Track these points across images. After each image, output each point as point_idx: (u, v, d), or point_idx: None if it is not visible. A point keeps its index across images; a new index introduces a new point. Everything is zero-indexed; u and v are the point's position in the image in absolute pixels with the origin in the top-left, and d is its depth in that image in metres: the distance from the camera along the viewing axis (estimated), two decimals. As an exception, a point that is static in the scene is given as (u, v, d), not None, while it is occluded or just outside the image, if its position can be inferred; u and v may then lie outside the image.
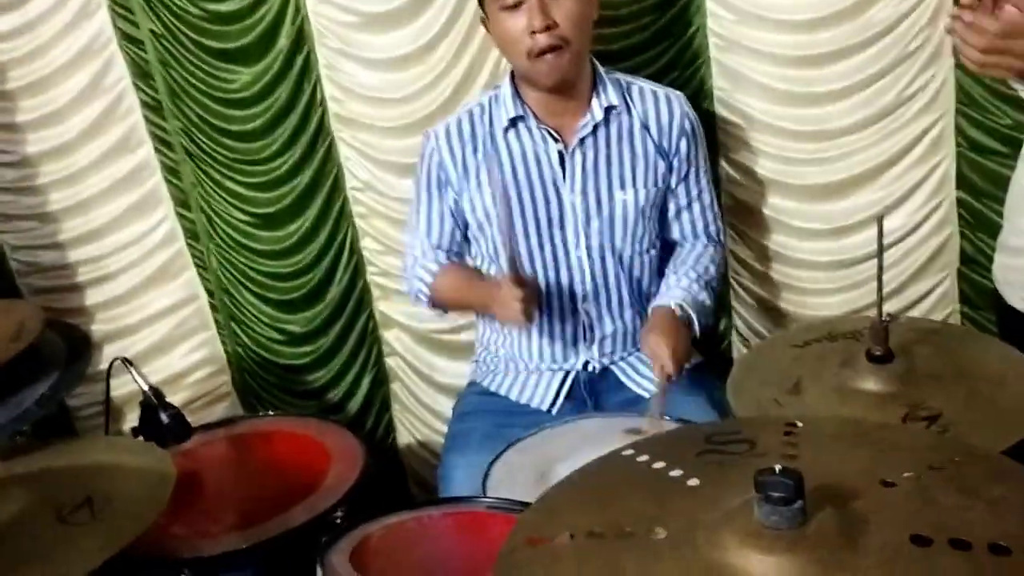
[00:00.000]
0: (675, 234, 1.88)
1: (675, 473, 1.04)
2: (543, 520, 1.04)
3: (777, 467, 0.87)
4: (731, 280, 2.15)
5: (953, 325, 1.90)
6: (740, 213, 2.06)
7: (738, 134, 1.98)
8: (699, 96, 1.97)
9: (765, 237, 2.05)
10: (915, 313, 1.98)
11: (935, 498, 0.91)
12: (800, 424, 1.10)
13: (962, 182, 1.89)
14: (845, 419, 1.18)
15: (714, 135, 2.00)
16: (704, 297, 1.81)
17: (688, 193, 1.85)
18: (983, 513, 0.87)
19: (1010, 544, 0.81)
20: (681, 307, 1.76)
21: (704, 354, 2.02)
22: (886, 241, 1.91)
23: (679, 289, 1.79)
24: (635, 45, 1.96)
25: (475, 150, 1.79)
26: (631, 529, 0.94)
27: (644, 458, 1.10)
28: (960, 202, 1.91)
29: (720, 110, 1.98)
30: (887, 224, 1.91)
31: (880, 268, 1.32)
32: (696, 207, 1.86)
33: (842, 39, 1.82)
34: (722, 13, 1.89)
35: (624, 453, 1.13)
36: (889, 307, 1.92)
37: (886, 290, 1.94)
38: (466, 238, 1.89)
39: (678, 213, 1.86)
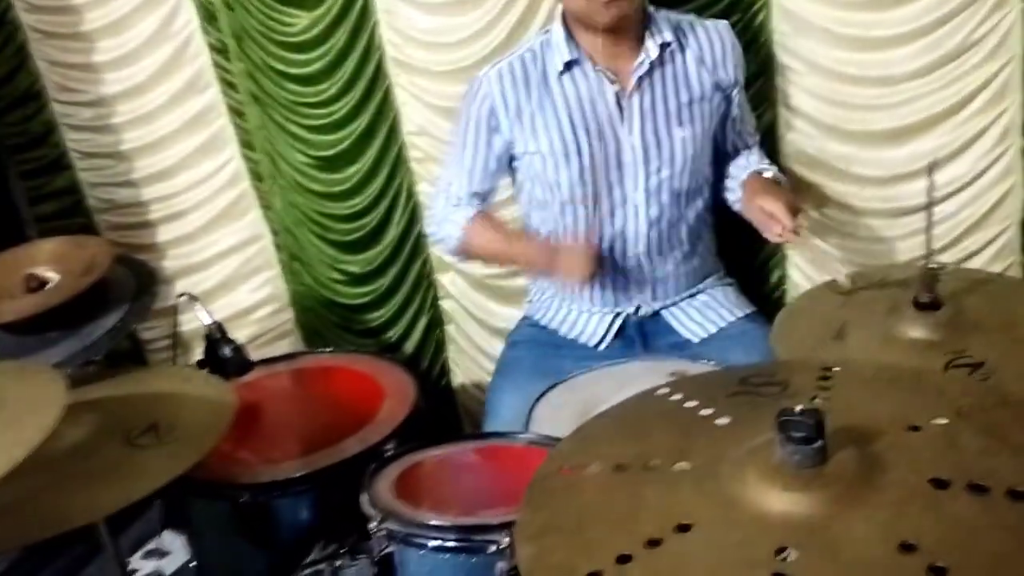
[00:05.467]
0: (727, 147, 1.92)
1: (706, 412, 1.07)
2: (576, 451, 1.08)
3: (799, 407, 0.89)
4: (787, 228, 2.13)
5: (1006, 276, 1.85)
6: (797, 159, 2.02)
7: (797, 79, 1.94)
8: (759, 39, 1.94)
9: (822, 184, 2.01)
10: (974, 263, 1.93)
11: (960, 443, 0.92)
12: (836, 369, 1.11)
13: (1028, 131, 1.84)
14: (882, 365, 1.18)
15: (772, 79, 1.97)
16: (775, 169, 1.88)
17: (740, 118, 1.89)
18: (1007, 459, 0.88)
19: (1029, 489, 0.82)
20: (767, 169, 1.84)
21: (758, 302, 2.02)
22: (947, 190, 1.90)
23: (754, 164, 1.87)
24: (695, -14, 1.93)
25: (528, 95, 1.79)
26: (657, 462, 0.97)
27: (678, 397, 1.13)
28: (1025, 151, 1.86)
29: (780, 54, 1.94)
30: (948, 172, 1.89)
31: (930, 215, 1.30)
32: (737, 126, 1.90)
33: (908, -19, 1.77)
34: (784, -46, 1.85)
35: (659, 392, 1.16)
36: (948, 257, 1.91)
37: (945, 239, 1.94)
38: (506, 179, 1.90)
39: (726, 135, 1.90)
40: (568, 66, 1.77)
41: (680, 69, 1.79)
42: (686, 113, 1.79)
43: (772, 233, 1.68)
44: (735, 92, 1.84)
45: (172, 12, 2.31)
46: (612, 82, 1.76)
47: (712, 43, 1.80)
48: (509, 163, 1.86)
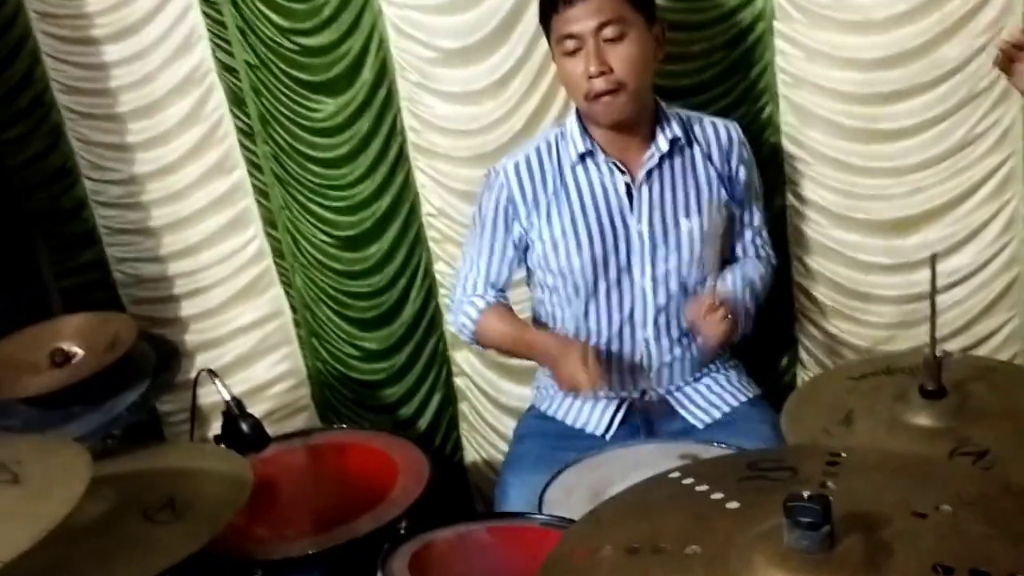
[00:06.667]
0: (731, 252, 1.96)
1: (716, 496, 1.09)
2: (589, 534, 1.10)
3: (806, 493, 0.91)
4: (796, 313, 2.16)
5: (1011, 364, 1.88)
6: (806, 246, 2.08)
7: (805, 169, 2.01)
8: (767, 131, 2.01)
9: (830, 270, 2.06)
10: (981, 351, 1.97)
11: (964, 530, 0.94)
12: (843, 455, 1.13)
13: (1031, 222, 1.88)
14: (888, 451, 1.21)
15: (781, 169, 2.03)
16: (746, 299, 1.86)
17: (742, 219, 1.92)
18: (1008, 547, 0.90)
19: (1028, 576, 0.84)
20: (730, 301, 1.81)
21: (767, 386, 2.05)
22: (953, 278, 1.94)
23: (727, 286, 1.86)
24: (705, 81, 2.00)
25: (544, 185, 1.86)
26: (666, 545, 0.99)
27: (689, 480, 1.15)
28: (1029, 241, 1.90)
29: (787, 145, 2.01)
30: (954, 262, 1.93)
31: (933, 305, 1.33)
32: (748, 233, 1.94)
33: (911, 78, 1.83)
34: (791, 50, 1.92)
35: (671, 475, 1.18)
36: (955, 345, 1.94)
37: (953, 327, 1.97)
38: (523, 268, 1.95)
39: (732, 237, 1.94)
40: (582, 157, 1.83)
41: (688, 163, 1.85)
42: (693, 205, 1.84)
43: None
44: (740, 190, 1.89)
45: (204, 96, 2.40)
46: (623, 173, 1.82)
47: (720, 139, 1.87)
48: (525, 251, 1.91)
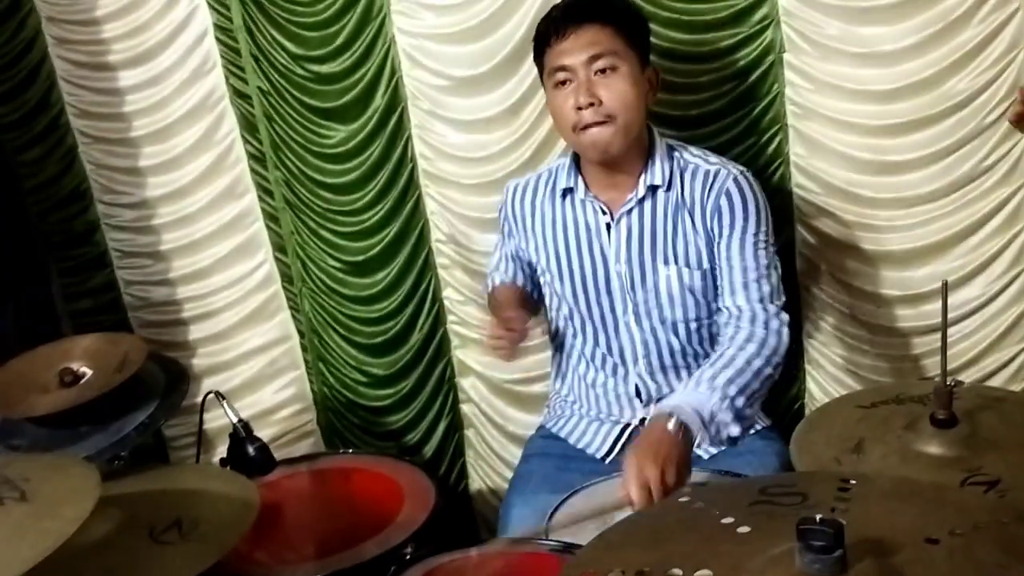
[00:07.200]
0: (724, 307, 1.78)
1: (727, 520, 1.08)
2: (597, 557, 1.09)
3: (819, 517, 0.91)
4: (805, 343, 2.16)
5: (1021, 394, 1.87)
6: (815, 277, 2.08)
7: (814, 200, 2.01)
8: (775, 162, 2.01)
9: (840, 302, 2.06)
10: (993, 383, 1.96)
11: (977, 556, 0.93)
12: (854, 481, 1.13)
13: (1041, 253, 1.88)
14: (899, 478, 1.20)
15: (789, 200, 2.03)
16: (715, 406, 1.56)
17: (718, 256, 1.77)
18: (1022, 574, 0.89)
19: (1043, 603, 0.83)
20: (677, 418, 1.52)
21: (775, 417, 2.04)
22: (963, 310, 1.94)
23: (686, 394, 1.60)
24: (714, 112, 2.01)
25: (534, 212, 1.90)
26: (678, 571, 0.98)
27: (699, 505, 1.14)
28: (1039, 273, 1.90)
29: (797, 176, 2.02)
30: (963, 294, 1.93)
31: (944, 332, 1.33)
32: (726, 270, 1.76)
33: (920, 110, 1.84)
34: (800, 82, 1.94)
35: (680, 499, 1.18)
36: (965, 376, 1.94)
37: (962, 360, 1.96)
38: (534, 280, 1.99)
39: (721, 290, 1.78)
40: (564, 193, 1.85)
41: (670, 210, 1.78)
42: (670, 252, 1.78)
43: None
44: (720, 240, 1.76)
45: (216, 122, 2.43)
46: (604, 212, 1.82)
47: (705, 190, 1.76)
48: (531, 270, 1.96)
